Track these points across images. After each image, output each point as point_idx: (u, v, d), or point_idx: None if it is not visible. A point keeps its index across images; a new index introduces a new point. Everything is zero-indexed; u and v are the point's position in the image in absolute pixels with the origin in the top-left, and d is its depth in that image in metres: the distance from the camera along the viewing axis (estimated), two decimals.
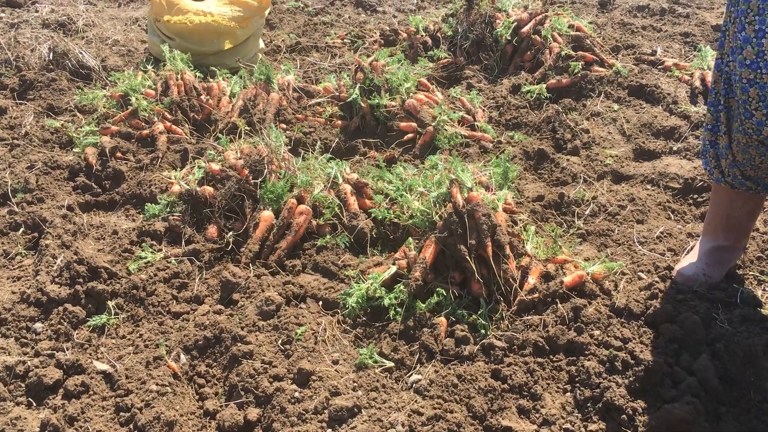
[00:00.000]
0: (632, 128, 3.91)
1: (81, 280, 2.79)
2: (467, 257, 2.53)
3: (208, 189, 3.20)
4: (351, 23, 5.41)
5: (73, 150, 3.76)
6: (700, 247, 2.86)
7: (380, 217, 3.03)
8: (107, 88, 4.30)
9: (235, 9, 4.29)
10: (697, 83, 4.13)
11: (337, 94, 4.03)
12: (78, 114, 4.18)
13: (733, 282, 2.70)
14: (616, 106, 4.09)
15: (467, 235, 2.55)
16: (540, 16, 4.48)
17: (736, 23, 2.43)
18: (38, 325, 2.65)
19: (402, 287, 2.58)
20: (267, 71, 3.96)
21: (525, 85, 4.24)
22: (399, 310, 2.56)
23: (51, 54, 4.59)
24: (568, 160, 3.64)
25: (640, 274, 2.77)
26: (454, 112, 3.85)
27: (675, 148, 3.70)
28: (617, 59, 4.56)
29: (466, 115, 3.87)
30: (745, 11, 2.35)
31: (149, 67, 4.25)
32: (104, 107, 3.98)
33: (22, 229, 3.18)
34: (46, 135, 3.92)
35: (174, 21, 4.22)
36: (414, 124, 3.73)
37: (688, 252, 2.89)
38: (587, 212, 3.22)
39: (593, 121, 4.01)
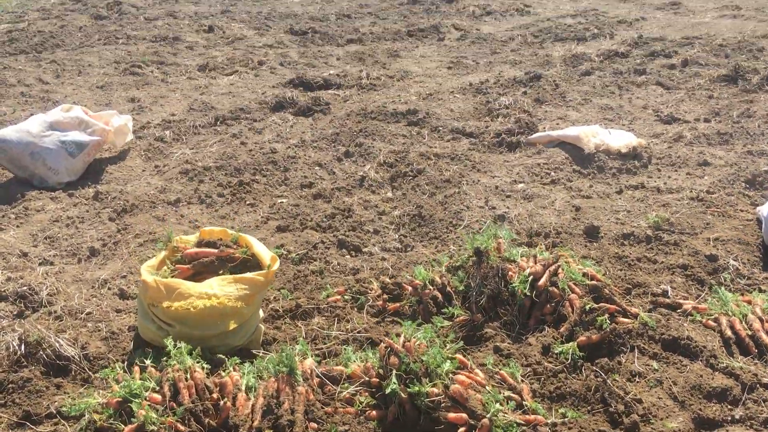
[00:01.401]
0: (682, 392, 3.70)
1: None
2: None
3: None
4: (342, 271, 5.15)
5: None
6: None
7: None
8: (96, 388, 3.75)
9: (240, 287, 3.95)
10: (728, 332, 4.04)
11: (366, 378, 3.67)
12: (62, 421, 3.60)
13: None
14: (655, 364, 3.91)
15: None
16: (553, 267, 4.38)
17: None
18: None
19: None
20: (289, 362, 3.57)
21: (555, 345, 4.03)
22: None
23: (23, 346, 4.03)
24: None
25: None
26: (500, 393, 3.55)
27: (737, 416, 3.50)
28: (632, 303, 4.48)
29: (513, 394, 3.58)
30: None
31: (148, 361, 3.76)
32: (100, 420, 3.42)
33: None
34: None
35: (175, 307, 3.82)
36: (464, 416, 3.38)
37: None
38: None
39: (636, 384, 3.80)
